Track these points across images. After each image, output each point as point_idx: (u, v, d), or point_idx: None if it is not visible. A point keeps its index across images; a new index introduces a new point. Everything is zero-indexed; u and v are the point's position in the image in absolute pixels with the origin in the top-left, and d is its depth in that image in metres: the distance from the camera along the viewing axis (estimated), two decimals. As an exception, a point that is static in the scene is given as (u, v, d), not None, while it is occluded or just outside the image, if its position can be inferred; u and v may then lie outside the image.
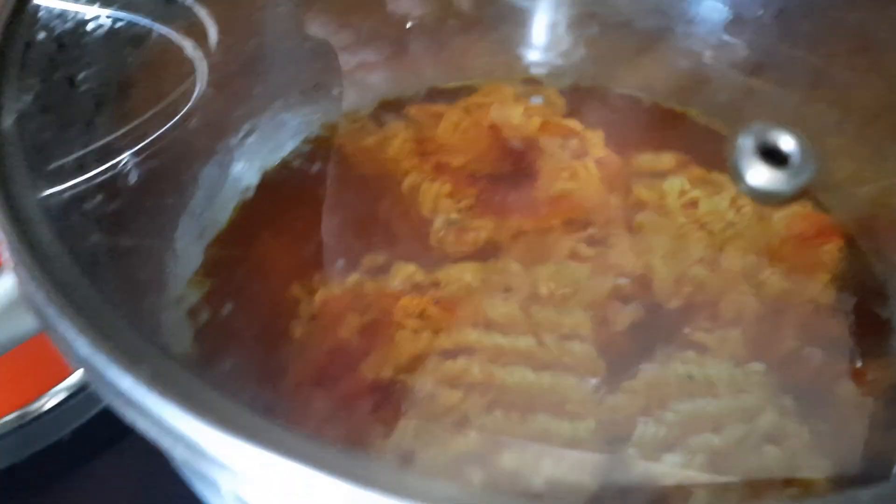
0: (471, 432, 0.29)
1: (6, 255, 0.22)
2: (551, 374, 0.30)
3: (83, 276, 0.24)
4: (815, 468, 0.28)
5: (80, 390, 0.36)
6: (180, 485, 0.25)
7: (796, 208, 0.35)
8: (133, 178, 0.29)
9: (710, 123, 0.39)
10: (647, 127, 0.40)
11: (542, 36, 0.40)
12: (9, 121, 0.25)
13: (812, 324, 0.32)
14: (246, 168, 0.36)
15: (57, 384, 0.36)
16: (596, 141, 0.38)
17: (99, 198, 0.27)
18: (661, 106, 0.40)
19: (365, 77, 0.38)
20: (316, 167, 0.37)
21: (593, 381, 0.30)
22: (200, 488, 0.23)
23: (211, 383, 0.18)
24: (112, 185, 0.28)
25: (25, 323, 0.22)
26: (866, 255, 0.34)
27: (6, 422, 0.35)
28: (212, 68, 0.32)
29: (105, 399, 0.19)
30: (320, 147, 0.37)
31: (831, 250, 0.34)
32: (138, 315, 0.28)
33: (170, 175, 0.32)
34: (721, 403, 0.29)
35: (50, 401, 0.36)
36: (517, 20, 0.39)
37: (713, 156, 0.37)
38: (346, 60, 0.38)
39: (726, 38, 0.38)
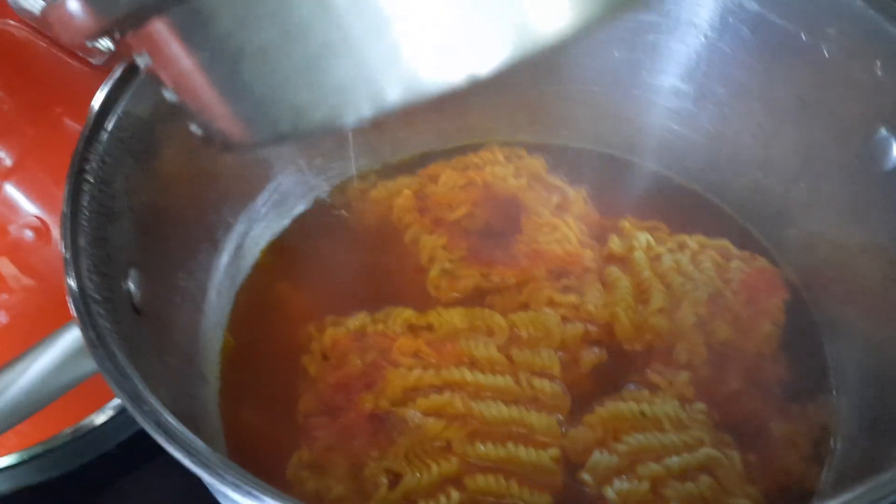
0: (452, 457, 0.34)
1: (73, 310, 0.28)
2: (523, 408, 0.35)
3: (133, 322, 0.30)
4: (745, 494, 0.33)
5: (125, 409, 0.41)
6: (212, 496, 0.30)
7: (752, 263, 0.40)
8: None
9: (684, 184, 0.44)
10: (626, 186, 0.44)
11: (530, 102, 0.45)
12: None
13: (753, 369, 0.36)
14: (266, 225, 0.41)
15: (106, 403, 0.41)
16: (577, 198, 0.42)
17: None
18: (639, 165, 0.45)
19: (371, 142, 0.44)
20: (326, 223, 0.42)
21: (559, 415, 0.35)
22: None
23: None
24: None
25: (88, 364, 0.27)
26: (809, 307, 0.39)
27: (63, 435, 0.40)
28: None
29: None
30: (331, 204, 0.43)
31: (777, 303, 0.38)
32: (177, 355, 0.33)
33: (204, 236, 0.37)
34: (666, 437, 0.34)
35: (100, 417, 0.41)
36: (507, 88, 0.44)
37: (681, 215, 0.41)
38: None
39: (693, 109, 0.42)
